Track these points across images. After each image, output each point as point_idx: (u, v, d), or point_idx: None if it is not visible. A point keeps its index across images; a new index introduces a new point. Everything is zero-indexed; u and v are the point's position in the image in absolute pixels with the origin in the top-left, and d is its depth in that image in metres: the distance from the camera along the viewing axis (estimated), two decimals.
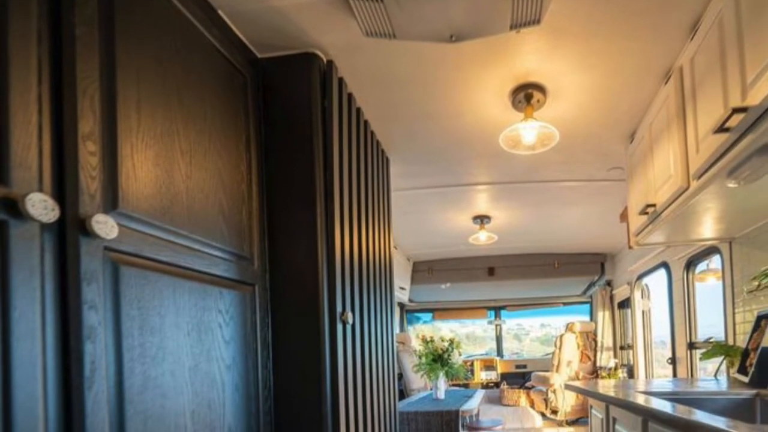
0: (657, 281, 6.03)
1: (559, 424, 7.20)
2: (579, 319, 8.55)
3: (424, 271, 7.91)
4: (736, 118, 1.82)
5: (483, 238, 5.85)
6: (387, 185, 3.44)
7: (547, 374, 7.49)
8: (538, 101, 2.90)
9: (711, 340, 4.08)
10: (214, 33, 2.01)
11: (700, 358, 3.29)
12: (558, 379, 7.20)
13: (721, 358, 3.12)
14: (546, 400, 7.31)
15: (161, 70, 1.68)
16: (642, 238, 3.33)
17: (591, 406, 3.08)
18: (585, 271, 7.74)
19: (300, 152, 2.29)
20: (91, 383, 1.28)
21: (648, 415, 1.94)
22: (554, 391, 7.14)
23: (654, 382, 3.09)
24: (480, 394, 5.86)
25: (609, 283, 7.85)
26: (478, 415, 6.16)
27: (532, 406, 7.62)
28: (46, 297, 1.19)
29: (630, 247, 3.75)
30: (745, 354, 2.73)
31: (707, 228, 3.08)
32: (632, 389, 2.60)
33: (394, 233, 3.88)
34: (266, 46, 2.35)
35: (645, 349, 6.41)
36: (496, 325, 9.88)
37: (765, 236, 2.96)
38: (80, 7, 1.33)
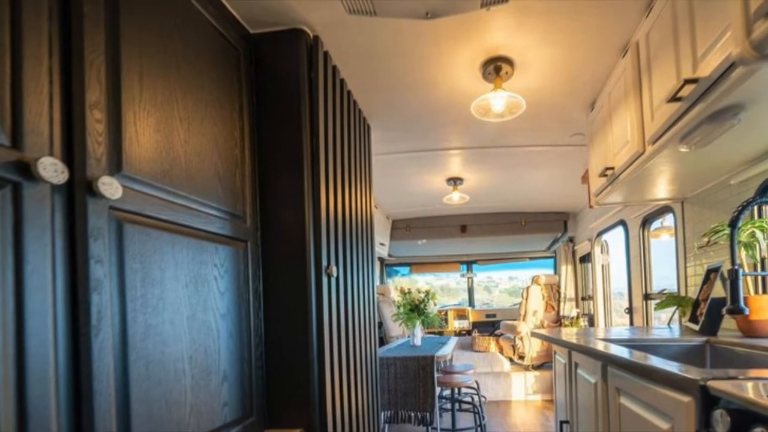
0: (615, 238, 6.09)
1: (526, 368, 7.23)
2: (544, 272, 8.59)
3: (402, 228, 7.91)
4: (688, 89, 1.85)
5: (456, 198, 5.86)
6: (368, 150, 3.44)
7: (514, 323, 7.52)
8: (507, 73, 2.93)
9: (665, 292, 4.13)
10: (210, 11, 1.99)
11: (655, 308, 3.32)
12: (525, 328, 7.24)
13: (674, 308, 3.14)
14: (514, 347, 7.34)
15: (162, 44, 1.68)
16: (601, 198, 3.36)
17: (555, 352, 3.10)
18: (549, 229, 7.77)
19: (288, 120, 2.29)
20: (97, 331, 1.30)
21: (607, 360, 1.96)
22: (521, 339, 7.17)
23: (612, 330, 3.12)
24: (453, 341, 5.90)
25: (571, 240, 7.89)
26: (451, 360, 6.22)
27: (501, 352, 7.65)
28: (56, 252, 1.21)
29: (590, 207, 3.77)
30: (696, 304, 2.75)
31: (661, 189, 3.12)
32: (593, 337, 2.62)
33: (374, 194, 3.89)
34: (258, 22, 2.34)
35: (604, 300, 6.46)
36: (468, 278, 9.92)
37: (714, 196, 2.99)
38: None
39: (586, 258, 7.36)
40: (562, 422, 2.78)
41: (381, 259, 8.89)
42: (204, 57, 1.94)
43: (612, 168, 2.91)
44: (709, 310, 2.56)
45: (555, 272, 8.79)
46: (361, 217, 3.10)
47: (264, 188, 2.30)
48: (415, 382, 4.27)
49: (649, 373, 1.51)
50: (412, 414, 4.28)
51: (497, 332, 8.45)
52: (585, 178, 4.42)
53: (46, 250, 1.18)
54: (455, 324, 9.38)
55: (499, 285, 10.59)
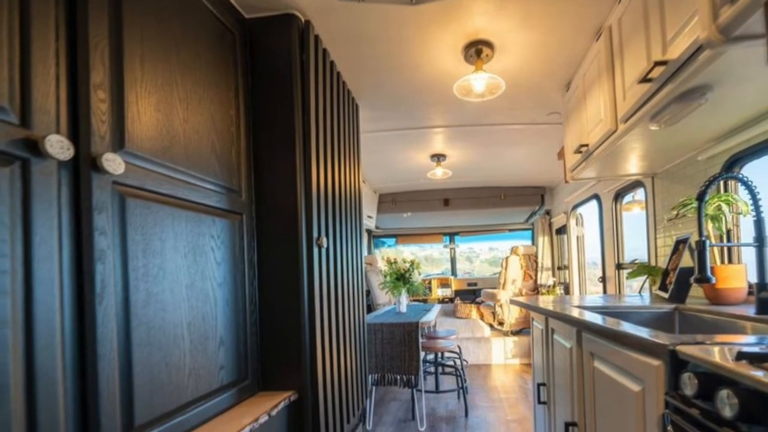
0: (589, 211, 6.12)
1: (505, 334, 7.26)
2: (522, 243, 8.62)
3: (389, 202, 7.90)
4: (658, 70, 1.87)
5: (439, 173, 5.86)
6: (356, 128, 3.44)
7: (494, 291, 7.55)
8: (487, 55, 2.96)
9: (636, 262, 4.12)
10: None
11: (627, 277, 3.33)
12: (504, 295, 7.27)
13: (645, 277, 3.15)
14: (494, 314, 7.36)
15: (162, 29, 1.67)
16: (576, 173, 3.38)
17: (533, 319, 3.10)
18: (527, 202, 7.78)
19: (281, 100, 2.29)
20: (101, 299, 1.31)
21: (582, 326, 1.96)
22: (501, 306, 7.20)
23: (587, 297, 3.13)
24: (437, 308, 5.91)
25: (548, 213, 7.89)
26: (435, 326, 6.26)
27: (482, 318, 7.69)
28: (63, 225, 1.22)
29: (566, 181, 3.79)
30: (665, 274, 2.76)
31: (633, 165, 3.13)
32: (568, 304, 2.61)
33: (362, 169, 3.89)
34: (252, 7, 2.33)
35: (579, 270, 6.48)
36: (451, 249, 9.94)
37: (682, 172, 3.00)
38: None
39: (562, 230, 7.38)
40: (539, 385, 2.80)
41: (368, 231, 8.89)
42: (201, 40, 1.94)
43: (586, 145, 2.93)
44: (678, 279, 2.57)
45: (533, 243, 8.81)
46: (350, 191, 3.11)
47: (258, 164, 2.29)
48: (401, 347, 4.29)
49: (621, 338, 1.50)
50: (398, 377, 4.30)
51: (478, 300, 8.49)
52: (561, 155, 4.45)
53: (53, 222, 1.19)
54: (438, 292, 9.42)
55: (480, 255, 10.61)
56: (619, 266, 4.70)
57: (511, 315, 7.16)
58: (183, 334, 1.69)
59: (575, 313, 2.11)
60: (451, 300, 9.32)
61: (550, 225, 7.93)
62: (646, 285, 3.43)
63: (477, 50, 2.91)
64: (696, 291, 2.72)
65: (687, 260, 2.65)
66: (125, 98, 1.48)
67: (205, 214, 1.87)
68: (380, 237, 9.94)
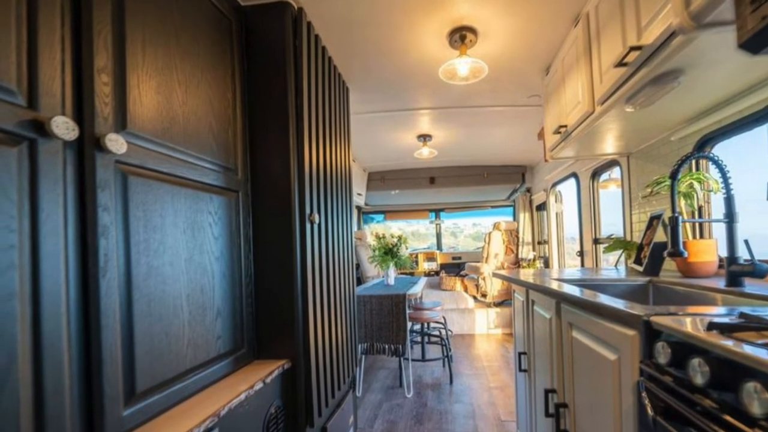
0: (568, 188, 6.16)
1: (488, 305, 7.30)
2: (504, 219, 8.65)
3: (378, 180, 7.90)
4: (633, 55, 1.88)
5: (425, 153, 5.86)
6: (347, 110, 3.42)
7: (478, 264, 7.59)
8: (471, 41, 2.98)
9: (612, 237, 4.15)
10: None
11: (603, 251, 3.33)
12: (487, 269, 7.31)
13: (621, 251, 3.17)
14: (477, 286, 7.40)
15: (162, 15, 1.66)
16: (556, 153, 3.40)
17: (514, 291, 3.10)
18: (509, 180, 7.80)
19: (276, 83, 2.27)
20: (104, 272, 1.32)
21: (561, 298, 1.96)
22: (484, 279, 7.24)
23: (565, 271, 3.14)
24: (423, 280, 5.94)
25: (529, 190, 7.91)
26: (421, 297, 6.30)
27: (466, 290, 7.74)
28: (68, 201, 1.23)
29: (546, 161, 3.80)
30: (640, 248, 2.79)
31: (609, 144, 3.14)
32: (548, 277, 2.63)
33: (352, 149, 3.89)
34: None
35: (558, 244, 6.53)
36: (436, 224, 9.97)
37: (656, 151, 3.02)
38: None
39: (542, 206, 7.42)
40: (520, 353, 2.82)
41: (358, 208, 8.89)
42: (200, 26, 1.92)
43: (565, 126, 2.95)
44: (652, 253, 2.61)
45: (514, 219, 8.83)
46: (341, 169, 3.11)
47: (253, 144, 2.28)
48: (389, 318, 4.31)
49: (598, 309, 1.51)
50: (386, 346, 4.33)
51: (462, 273, 8.55)
52: (541, 135, 4.47)
53: (59, 199, 1.20)
54: (425, 265, 9.46)
55: (464, 231, 10.65)
56: (596, 241, 4.75)
57: (494, 287, 7.22)
58: (182, 305, 1.69)
59: (554, 285, 2.12)
60: (437, 273, 9.38)
61: (530, 202, 7.96)
62: (622, 259, 3.47)
63: (461, 36, 2.92)
64: (669, 264, 2.76)
65: (660, 235, 2.68)
66: (127, 81, 1.47)
67: (203, 192, 1.86)
68: (369, 213, 9.95)
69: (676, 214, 1.87)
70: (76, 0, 1.30)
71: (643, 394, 1.17)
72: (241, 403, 1.79)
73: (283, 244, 2.27)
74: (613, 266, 3.60)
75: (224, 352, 1.98)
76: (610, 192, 4.53)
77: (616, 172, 4.25)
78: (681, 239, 1.88)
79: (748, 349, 0.83)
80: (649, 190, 2.93)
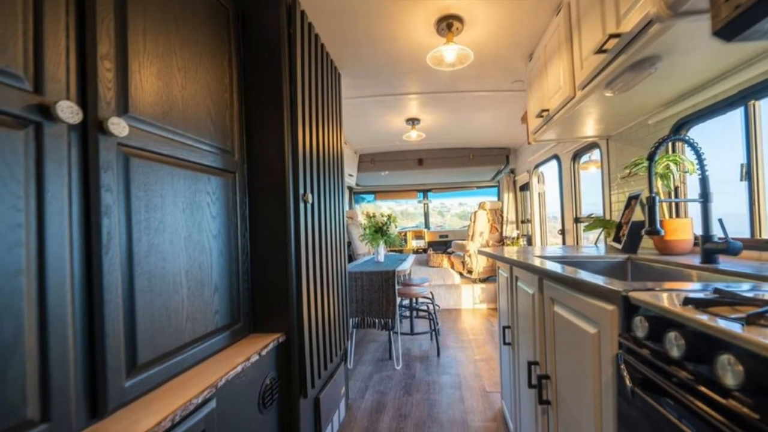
0: (550, 169, 6.16)
1: (474, 281, 7.31)
2: (489, 199, 8.66)
3: (368, 161, 7.88)
4: (612, 42, 1.89)
5: (414, 135, 5.84)
6: (339, 94, 3.42)
7: (464, 242, 7.60)
8: (457, 29, 3.00)
9: (592, 216, 4.20)
10: None
11: (584, 230, 3.33)
12: (473, 246, 7.33)
13: (600, 229, 3.19)
14: (463, 263, 7.42)
15: (162, 4, 1.65)
16: (538, 135, 3.40)
17: (498, 268, 3.10)
18: (494, 162, 7.80)
19: (271, 69, 2.26)
20: (107, 249, 1.33)
21: (543, 274, 1.96)
22: (470, 256, 7.26)
23: (548, 248, 3.16)
24: (412, 258, 5.93)
25: (512, 171, 7.90)
26: (410, 274, 6.30)
27: (453, 267, 7.75)
28: (72, 182, 1.23)
29: (529, 143, 3.80)
30: (619, 227, 2.80)
31: (589, 128, 3.15)
32: (531, 254, 2.62)
33: (344, 132, 3.88)
34: None
35: (540, 223, 6.55)
36: (424, 204, 9.96)
37: (635, 134, 3.03)
38: None
39: (525, 187, 7.43)
40: (504, 327, 2.82)
41: (349, 188, 8.87)
42: (198, 15, 1.90)
43: (547, 110, 2.96)
44: (630, 231, 2.62)
45: (498, 199, 8.83)
46: (333, 151, 3.10)
47: (249, 127, 2.28)
48: (379, 293, 4.33)
49: (579, 285, 1.51)
50: (377, 320, 4.34)
51: (449, 250, 8.57)
52: (524, 119, 4.46)
53: (63, 180, 1.20)
54: (413, 243, 9.47)
55: (451, 210, 10.64)
56: (577, 220, 4.77)
57: (479, 264, 7.25)
58: (181, 281, 1.70)
59: (537, 262, 2.12)
60: (425, 251, 9.39)
61: (514, 182, 7.96)
62: (602, 237, 3.50)
63: (448, 24, 2.94)
64: (647, 242, 2.80)
65: (638, 214, 2.70)
66: (129, 67, 1.47)
67: (202, 173, 1.87)
68: (360, 193, 9.93)
69: (654, 194, 1.87)
70: None
71: (622, 366, 1.18)
72: (237, 375, 1.81)
73: (278, 222, 2.28)
74: (593, 244, 3.60)
75: (222, 326, 1.99)
76: (591, 173, 4.55)
77: (596, 154, 4.26)
78: (658, 218, 1.90)
79: (722, 323, 0.84)
80: (627, 171, 2.94)
